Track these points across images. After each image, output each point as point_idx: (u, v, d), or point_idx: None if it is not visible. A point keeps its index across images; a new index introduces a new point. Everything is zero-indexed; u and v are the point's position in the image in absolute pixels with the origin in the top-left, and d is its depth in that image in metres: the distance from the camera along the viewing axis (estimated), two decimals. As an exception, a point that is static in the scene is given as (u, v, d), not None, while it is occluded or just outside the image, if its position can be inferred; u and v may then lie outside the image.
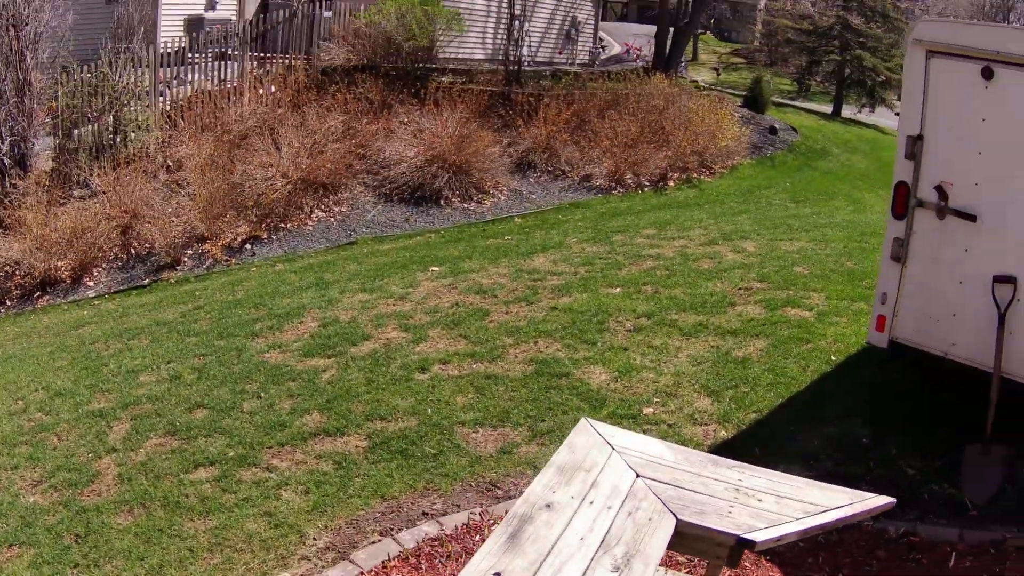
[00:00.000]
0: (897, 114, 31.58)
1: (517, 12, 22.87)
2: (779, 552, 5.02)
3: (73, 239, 13.55)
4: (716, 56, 43.86)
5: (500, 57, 22.91)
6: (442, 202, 16.04)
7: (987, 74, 5.78)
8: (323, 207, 15.48)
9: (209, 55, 18.03)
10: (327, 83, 18.59)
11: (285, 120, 16.80)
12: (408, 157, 16.43)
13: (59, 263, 13.46)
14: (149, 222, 14.20)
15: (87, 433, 7.20)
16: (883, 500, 3.98)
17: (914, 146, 6.16)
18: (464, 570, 3.21)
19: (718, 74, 36.62)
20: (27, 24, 14.84)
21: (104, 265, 13.90)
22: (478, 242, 13.43)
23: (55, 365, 9.32)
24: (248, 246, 14.26)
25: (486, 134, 17.16)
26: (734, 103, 23.38)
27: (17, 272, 13.45)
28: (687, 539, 3.67)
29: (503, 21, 23.72)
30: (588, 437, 4.23)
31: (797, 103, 32.33)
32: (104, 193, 14.55)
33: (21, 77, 14.79)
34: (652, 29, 30.54)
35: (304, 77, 18.63)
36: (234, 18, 22.19)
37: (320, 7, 20.42)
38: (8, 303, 13.30)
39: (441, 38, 20.59)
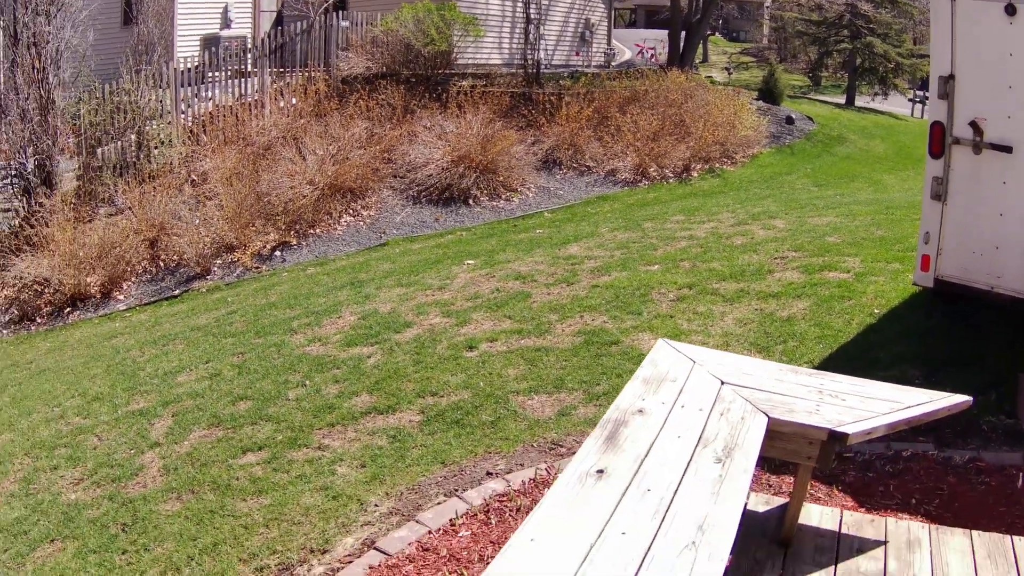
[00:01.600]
0: (909, 100, 32.35)
1: (532, 15, 22.72)
2: (850, 483, 5.07)
3: (102, 255, 13.52)
4: (726, 56, 43.85)
5: (517, 61, 22.82)
6: (471, 201, 15.94)
7: (1010, 11, 5.84)
8: (351, 212, 15.37)
9: (228, 71, 17.94)
10: (348, 92, 18.51)
11: (308, 130, 16.69)
12: (434, 159, 16.35)
13: (89, 279, 13.41)
14: (176, 235, 14.12)
15: (128, 431, 7.02)
16: (961, 398, 4.01)
17: (946, 85, 6.20)
18: (565, 470, 3.17)
19: (729, 74, 36.52)
20: (48, 42, 14.73)
21: (133, 279, 13.85)
22: (510, 236, 13.30)
23: (90, 373, 9.16)
24: (278, 253, 14.16)
25: (510, 133, 17.05)
26: (750, 95, 23.31)
27: (47, 289, 13.43)
28: (778, 439, 3.72)
29: (519, 26, 23.59)
30: (668, 353, 4.29)
31: (810, 96, 32.37)
32: (130, 209, 14.52)
33: (44, 95, 14.68)
34: (661, 33, 30.74)
35: (324, 87, 18.52)
36: (250, 34, 22.15)
37: (337, 17, 20.31)
38: (39, 320, 13.28)
39: (459, 43, 20.47)
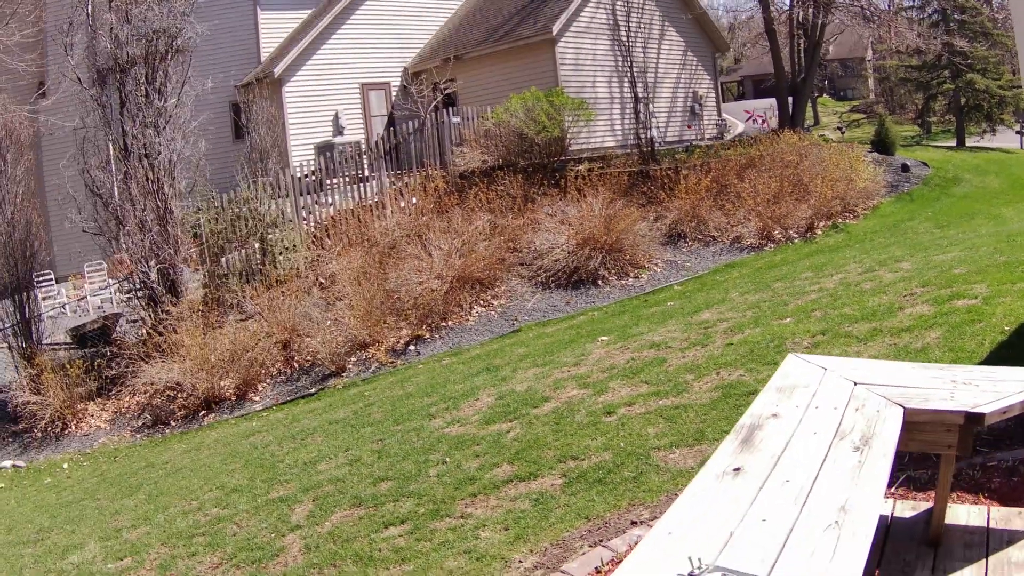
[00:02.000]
0: (1017, 132, 32.57)
1: (641, 94, 22.67)
2: (995, 488, 4.84)
3: (234, 358, 13.66)
4: (837, 116, 44.22)
5: (631, 141, 22.78)
6: (599, 282, 15.68)
7: None
8: (482, 302, 15.27)
9: (346, 176, 18.11)
10: (466, 186, 18.57)
11: (431, 226, 16.68)
12: (559, 244, 16.19)
13: (222, 382, 13.55)
14: (309, 336, 14.21)
15: (268, 517, 7.02)
16: None
17: None
18: (701, 471, 3.17)
19: (842, 132, 36.40)
20: (160, 153, 14.92)
21: (268, 380, 13.96)
22: (642, 311, 13.07)
23: (228, 469, 9.19)
24: (412, 347, 14.06)
25: (632, 211, 16.84)
26: (864, 148, 23.07)
27: (179, 394, 13.62)
28: (915, 431, 3.67)
29: (628, 106, 23.59)
30: (798, 364, 4.29)
31: (922, 144, 32.47)
32: (260, 313, 14.65)
33: (161, 205, 14.86)
34: (770, 101, 30.91)
35: (443, 184, 18.59)
36: (363, 138, 22.44)
37: (447, 114, 20.46)
38: (172, 423, 13.45)
39: (571, 128, 20.43)
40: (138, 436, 13.37)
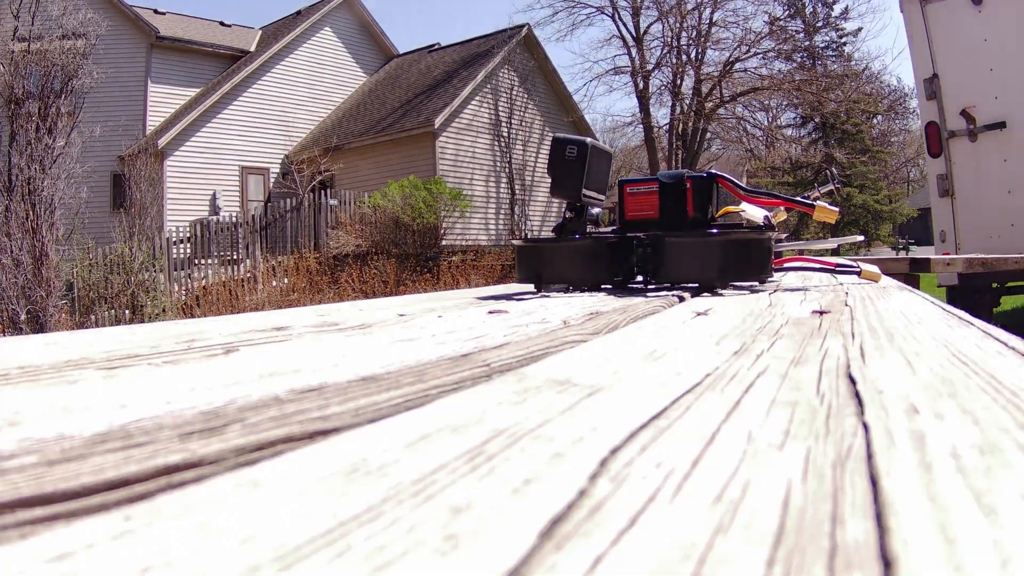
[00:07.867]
0: (891, 248, 32.83)
1: (518, 193, 23.12)
2: None
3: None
4: None
5: (503, 242, 23.09)
6: (467, 364, 15.76)
7: (976, 0, 6.33)
8: (347, 375, 15.16)
9: (220, 248, 18.18)
10: (339, 268, 18.64)
11: (302, 302, 16.62)
12: (430, 326, 16.20)
13: None
14: None
15: None
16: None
17: (931, 85, 6.59)
18: None
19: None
20: (43, 191, 14.72)
21: None
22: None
23: None
24: None
25: (503, 299, 17.03)
26: None
27: None
28: None
29: (503, 207, 23.99)
30: None
31: None
32: None
33: (38, 246, 14.62)
34: None
35: (316, 264, 18.64)
36: (238, 217, 22.55)
37: (325, 196, 20.61)
38: None
39: (447, 219, 20.70)
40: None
